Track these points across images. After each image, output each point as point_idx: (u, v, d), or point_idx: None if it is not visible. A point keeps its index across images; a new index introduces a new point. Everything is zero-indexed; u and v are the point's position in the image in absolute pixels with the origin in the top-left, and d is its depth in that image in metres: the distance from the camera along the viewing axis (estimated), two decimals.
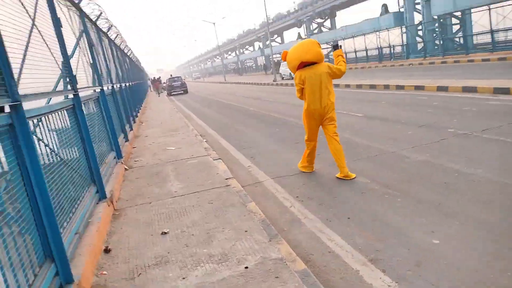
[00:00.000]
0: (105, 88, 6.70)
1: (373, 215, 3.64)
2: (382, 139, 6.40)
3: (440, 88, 10.91)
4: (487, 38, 25.22)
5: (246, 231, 3.36)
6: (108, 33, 9.60)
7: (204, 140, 8.46)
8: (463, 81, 11.14)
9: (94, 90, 5.81)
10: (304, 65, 4.64)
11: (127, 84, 13.12)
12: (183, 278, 2.72)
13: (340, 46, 5.05)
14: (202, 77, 79.12)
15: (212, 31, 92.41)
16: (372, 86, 14.33)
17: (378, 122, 7.84)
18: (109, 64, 8.35)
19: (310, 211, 3.93)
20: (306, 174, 5.13)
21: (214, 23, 47.30)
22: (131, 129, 9.68)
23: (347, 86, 16.04)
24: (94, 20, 7.08)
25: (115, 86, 8.57)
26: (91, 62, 5.95)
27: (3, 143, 2.10)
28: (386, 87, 13.48)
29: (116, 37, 11.51)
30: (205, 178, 5.17)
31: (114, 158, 5.91)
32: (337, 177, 4.77)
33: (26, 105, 2.41)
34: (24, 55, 2.68)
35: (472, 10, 22.56)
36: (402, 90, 12.42)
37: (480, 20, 22.03)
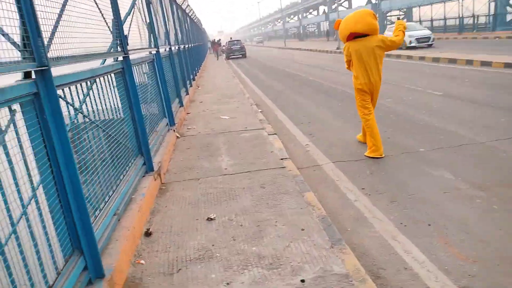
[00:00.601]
0: (161, 50, 6.37)
1: (462, 224, 2.95)
2: (467, 124, 5.45)
3: None
4: None
5: (302, 230, 2.87)
6: None
7: (260, 110, 7.96)
8: None
9: (150, 52, 5.48)
10: (354, 36, 4.37)
11: (187, 46, 12.86)
12: (227, 284, 2.32)
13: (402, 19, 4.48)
14: (264, 41, 77.46)
15: None
16: (452, 60, 12.69)
17: (461, 103, 6.77)
18: (168, 24, 8.00)
19: (380, 209, 3.32)
20: (374, 161, 4.45)
21: None
22: (187, 94, 9.44)
23: (421, 58, 14.45)
24: None
25: (173, 48, 8.26)
26: (148, 21, 5.58)
27: (25, 117, 1.75)
28: (469, 62, 11.83)
29: None
30: (258, 156, 4.71)
31: (167, 125, 5.64)
32: (365, 155, 4.56)
33: (59, 70, 2.03)
34: (62, 11, 2.29)
35: None
36: (489, 67, 10.79)
37: None
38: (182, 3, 13.14)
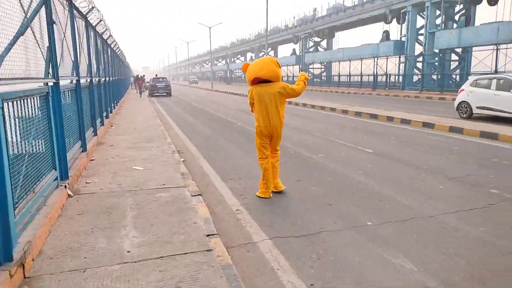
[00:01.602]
0: (63, 82, 5.09)
1: None
2: (408, 191, 5.03)
3: (453, 129, 9.76)
4: None
5: None
6: (87, 15, 7.98)
7: (182, 159, 6.91)
8: (476, 124, 10.06)
9: (46, 84, 4.21)
10: (258, 81, 4.64)
11: (104, 79, 11.44)
12: None
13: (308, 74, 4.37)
14: (188, 80, 76.81)
15: (205, 36, 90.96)
16: (373, 116, 13.13)
17: (394, 164, 6.50)
18: (80, 52, 6.73)
19: None
20: (319, 237, 3.66)
21: (209, 27, 45.88)
22: (95, 134, 8.00)
23: (344, 111, 14.83)
24: None
25: (83, 81, 6.94)
26: (48, 45, 4.34)
27: None
28: (389, 119, 12.30)
29: (98, 23, 9.87)
30: (176, 229, 3.61)
31: (55, 180, 4.28)
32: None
33: None
34: None
35: (477, 49, 22.04)
36: (408, 125, 11.24)
37: (484, 59, 21.49)
38: (104, 32, 11.88)
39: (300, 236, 3.72)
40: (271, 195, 4.79)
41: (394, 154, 7.25)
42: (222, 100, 23.75)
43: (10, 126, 2.89)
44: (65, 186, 4.42)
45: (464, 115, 11.97)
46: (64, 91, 5.22)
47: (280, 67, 4.72)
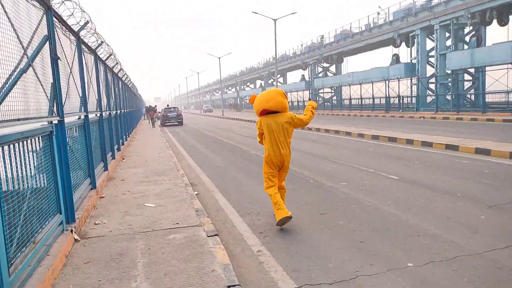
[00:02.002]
0: (70, 119, 4.85)
1: None
2: (447, 223, 4.53)
3: (480, 151, 9.23)
4: (499, 97, 24.29)
5: None
6: (96, 50, 7.91)
7: (196, 192, 6.54)
8: (499, 145, 9.51)
9: (51, 122, 3.95)
10: (267, 112, 4.74)
11: (115, 112, 11.32)
12: None
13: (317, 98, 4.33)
14: (200, 109, 77.49)
15: (214, 65, 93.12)
16: (392, 139, 12.66)
17: (425, 192, 6.00)
18: (88, 86, 6.56)
19: None
20: (361, 280, 3.19)
21: (219, 58, 46.60)
22: (106, 169, 7.72)
23: (361, 135, 14.40)
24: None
25: (91, 116, 6.74)
26: (52, 81, 4.12)
27: None
28: (409, 141, 11.81)
29: (108, 58, 9.85)
30: (193, 279, 3.19)
31: (60, 224, 3.93)
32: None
33: None
34: None
35: (490, 68, 21.62)
36: (430, 147, 10.74)
37: (500, 79, 21.01)
38: (114, 66, 11.90)
39: (333, 283, 3.25)
40: (289, 213, 4.56)
41: (422, 181, 6.75)
42: (233, 127, 23.57)
43: (6, 172, 2.58)
44: (71, 230, 4.06)
45: None
46: (71, 128, 4.97)
47: (286, 98, 4.88)
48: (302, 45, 46.51)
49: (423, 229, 4.40)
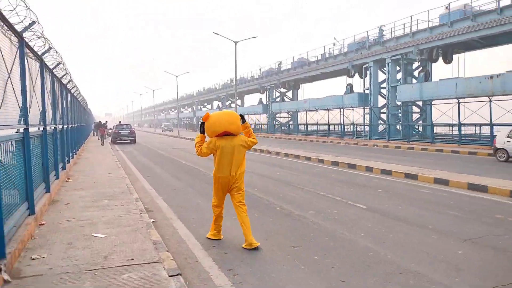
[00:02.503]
0: (3, 132, 4.09)
1: None
2: (427, 259, 4.30)
3: (439, 181, 9.42)
4: (446, 129, 25.89)
5: None
6: (43, 56, 7.07)
7: (152, 220, 5.86)
8: (456, 175, 9.81)
9: None
10: (225, 134, 4.80)
11: (61, 127, 10.29)
12: None
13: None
14: (154, 127, 75.17)
15: (170, 84, 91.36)
16: (351, 166, 12.72)
17: (395, 223, 5.82)
18: (30, 96, 5.74)
19: None
20: None
21: (176, 76, 45.78)
22: (47, 191, 6.78)
23: (320, 161, 14.38)
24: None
25: (33, 129, 5.90)
26: None
27: None
28: (369, 169, 11.90)
29: (56, 66, 8.92)
30: None
31: None
32: (243, 247, 4.70)
33: None
34: None
35: (439, 102, 23.02)
36: (390, 176, 10.85)
37: (446, 112, 22.38)
38: (63, 76, 10.92)
39: None
40: (222, 236, 5.05)
41: (390, 211, 6.60)
42: (190, 147, 22.67)
43: None
44: (0, 270, 3.28)
45: (502, 159, 13.61)
46: (5, 143, 4.19)
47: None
48: (260, 69, 47.15)
49: (403, 266, 4.12)
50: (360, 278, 3.80)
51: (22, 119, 5.03)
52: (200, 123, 4.96)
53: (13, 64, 4.48)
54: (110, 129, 33.76)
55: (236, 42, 24.95)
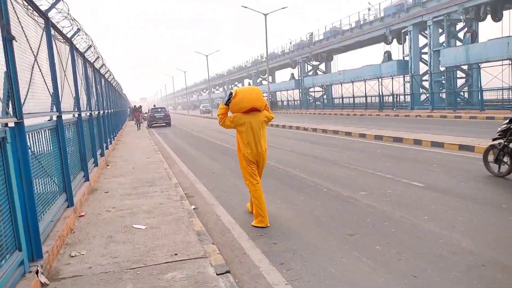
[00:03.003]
0: (34, 120, 3.82)
1: None
2: (504, 245, 3.67)
3: None
4: (495, 95, 23.91)
5: None
6: (72, 39, 6.82)
7: (193, 207, 5.56)
8: None
9: (6, 125, 2.95)
10: (251, 110, 4.75)
11: (97, 113, 10.22)
12: None
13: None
14: (187, 109, 75.76)
15: (201, 64, 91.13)
16: (397, 139, 11.88)
17: (463, 203, 5.15)
18: (62, 81, 5.50)
19: None
20: None
21: (206, 56, 45.42)
22: (87, 180, 6.66)
23: (362, 135, 13.59)
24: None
25: (67, 116, 5.69)
26: (5, 70, 3.09)
27: None
28: (417, 142, 11.05)
29: (87, 49, 8.70)
30: None
31: (20, 265, 2.91)
32: (252, 225, 4.69)
33: None
34: None
35: (488, 65, 21.13)
36: (441, 148, 9.98)
37: (497, 75, 20.54)
38: (96, 60, 10.76)
39: None
40: (268, 223, 4.68)
41: (452, 189, 5.91)
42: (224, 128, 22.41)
43: None
44: (37, 271, 3.04)
45: None
46: (37, 132, 3.93)
47: None
48: (291, 43, 45.71)
49: (485, 256, 3.53)
50: (436, 272, 3.27)
51: (54, 106, 4.78)
52: (229, 94, 4.81)
53: (39, 47, 4.16)
54: (146, 113, 34.23)
55: (265, 14, 23.99)
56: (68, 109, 5.80)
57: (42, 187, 3.93)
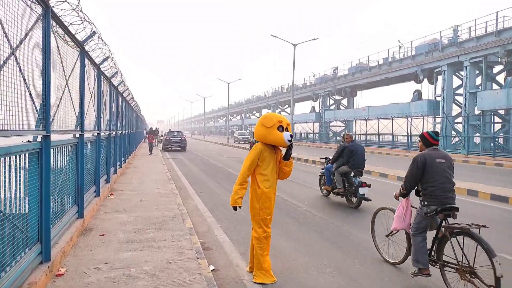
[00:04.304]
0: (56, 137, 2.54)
1: None
2: None
3: None
4: None
5: None
6: (101, 65, 5.72)
7: (212, 268, 4.14)
8: None
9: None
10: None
11: (107, 133, 9.04)
12: None
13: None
14: (203, 134, 75.03)
15: (220, 91, 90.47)
16: (472, 192, 9.53)
17: None
18: (91, 100, 4.28)
19: None
20: None
21: (228, 83, 44.97)
22: (80, 216, 5.30)
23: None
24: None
25: (79, 136, 4.44)
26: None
27: None
28: (501, 199, 9.20)
29: (103, 61, 7.64)
30: None
31: None
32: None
33: None
34: None
35: None
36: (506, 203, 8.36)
37: None
38: (113, 75, 9.71)
39: None
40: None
41: None
42: (241, 156, 21.05)
43: None
44: None
45: None
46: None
47: None
48: (313, 76, 45.03)
49: None
50: None
51: (81, 126, 3.52)
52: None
53: (72, 70, 2.96)
54: (162, 136, 33.38)
55: (295, 45, 23.16)
56: (86, 130, 4.57)
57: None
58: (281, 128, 3.90)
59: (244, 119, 73.74)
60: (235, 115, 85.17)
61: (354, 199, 7.81)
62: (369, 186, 7.64)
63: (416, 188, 4.00)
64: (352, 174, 7.92)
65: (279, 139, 3.87)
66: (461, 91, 25.43)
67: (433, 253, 3.85)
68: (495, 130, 24.58)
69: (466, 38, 23.99)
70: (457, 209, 3.75)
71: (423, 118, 26.06)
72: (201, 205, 8.00)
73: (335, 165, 8.24)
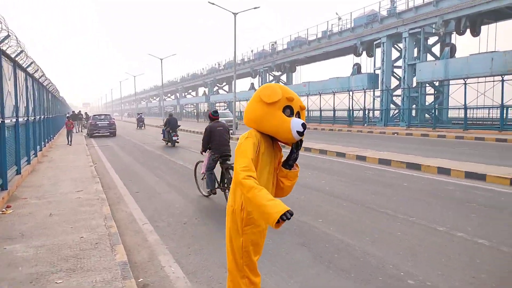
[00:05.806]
0: None
1: None
2: None
3: None
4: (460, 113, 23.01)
5: None
6: None
7: None
8: None
9: None
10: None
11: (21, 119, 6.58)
12: None
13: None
14: (130, 117, 69.85)
15: (153, 69, 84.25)
16: (412, 166, 9.48)
17: None
18: None
19: None
20: None
21: (161, 59, 41.42)
22: None
23: (361, 158, 11.09)
24: None
25: None
26: None
27: None
28: (442, 171, 8.71)
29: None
30: None
31: None
32: None
33: None
34: None
35: (454, 82, 20.12)
36: (482, 182, 7.68)
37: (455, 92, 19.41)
38: (17, 55, 7.12)
39: None
40: None
41: None
42: (181, 141, 18.77)
43: None
44: None
45: None
46: None
47: None
48: (252, 51, 43.35)
49: None
50: None
51: None
52: None
53: None
54: (86, 120, 29.67)
55: (235, 14, 21.15)
56: None
57: None
58: (289, 111, 2.26)
59: (179, 99, 70.17)
60: (169, 95, 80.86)
61: None
62: None
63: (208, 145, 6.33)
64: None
65: (283, 128, 2.24)
66: (399, 63, 25.61)
67: (219, 181, 6.43)
68: (429, 102, 25.29)
69: (404, 9, 23.89)
70: (230, 155, 6.25)
71: (364, 92, 25.93)
72: (137, 212, 6.09)
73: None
